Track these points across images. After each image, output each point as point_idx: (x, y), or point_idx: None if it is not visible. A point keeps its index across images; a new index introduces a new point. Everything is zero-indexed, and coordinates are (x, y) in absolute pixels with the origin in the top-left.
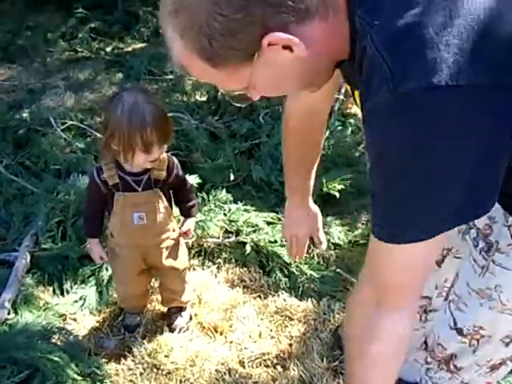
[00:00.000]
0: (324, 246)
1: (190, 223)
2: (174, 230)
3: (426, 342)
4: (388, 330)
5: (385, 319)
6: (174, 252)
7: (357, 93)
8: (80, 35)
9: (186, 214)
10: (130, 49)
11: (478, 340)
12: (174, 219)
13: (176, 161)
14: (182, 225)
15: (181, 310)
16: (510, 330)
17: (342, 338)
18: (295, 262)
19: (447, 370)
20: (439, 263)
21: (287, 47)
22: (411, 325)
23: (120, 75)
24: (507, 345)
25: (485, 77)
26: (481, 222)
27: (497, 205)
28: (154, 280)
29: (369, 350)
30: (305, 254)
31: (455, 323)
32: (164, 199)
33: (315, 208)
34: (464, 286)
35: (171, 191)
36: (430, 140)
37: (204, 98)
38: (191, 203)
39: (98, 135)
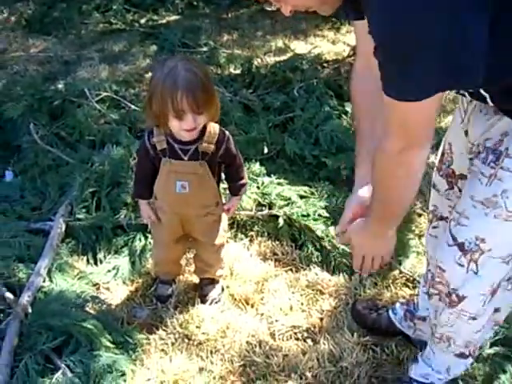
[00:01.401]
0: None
1: (236, 200)
2: (217, 205)
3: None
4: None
5: (414, 156)
6: (213, 226)
7: None
8: (114, 7)
9: (235, 192)
10: (164, 21)
11: (476, 260)
12: (220, 194)
13: (228, 135)
14: (228, 201)
15: (213, 281)
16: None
17: (359, 312)
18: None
19: (450, 305)
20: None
21: None
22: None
23: (154, 47)
24: (507, 263)
25: None
26: (492, 141)
27: (510, 120)
28: (188, 251)
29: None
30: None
31: (454, 239)
32: (209, 173)
33: None
34: (467, 200)
35: (223, 166)
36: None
37: (238, 71)
38: (241, 182)
39: (132, 107)
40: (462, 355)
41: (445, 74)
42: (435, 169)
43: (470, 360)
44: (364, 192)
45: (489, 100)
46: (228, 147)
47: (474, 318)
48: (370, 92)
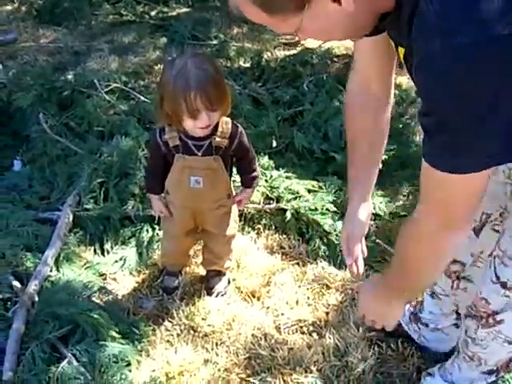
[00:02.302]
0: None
1: (248, 193)
2: (228, 197)
3: (457, 312)
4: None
5: (449, 239)
6: (225, 218)
7: (401, 49)
8: None
9: (247, 184)
10: (174, 13)
11: None
12: (232, 187)
13: (241, 129)
14: (240, 192)
15: (219, 273)
16: None
17: None
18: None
19: (487, 326)
20: (477, 232)
21: (336, 0)
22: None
23: (164, 39)
24: None
25: None
26: None
27: None
28: (196, 243)
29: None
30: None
31: (498, 277)
32: (223, 167)
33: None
34: (510, 240)
35: (234, 159)
36: (481, 87)
37: (248, 64)
38: (253, 174)
39: (142, 98)
40: (490, 372)
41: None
42: None
43: (495, 375)
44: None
45: None
46: (241, 141)
47: (509, 342)
48: (368, 110)
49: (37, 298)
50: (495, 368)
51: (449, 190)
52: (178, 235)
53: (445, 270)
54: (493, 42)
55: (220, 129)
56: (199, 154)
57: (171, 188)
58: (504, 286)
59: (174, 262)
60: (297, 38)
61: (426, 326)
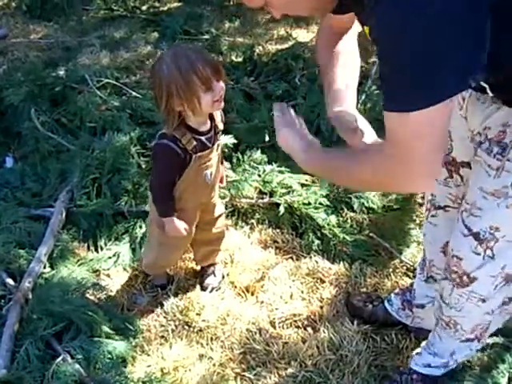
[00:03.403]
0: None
1: (224, 168)
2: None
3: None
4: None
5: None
6: (218, 200)
7: (366, 28)
8: None
9: (221, 161)
10: (165, 8)
11: (492, 248)
12: None
13: None
14: None
15: (213, 268)
16: None
17: (355, 306)
18: None
19: (461, 285)
20: None
21: None
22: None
23: (155, 34)
24: None
25: None
26: (493, 132)
27: (509, 110)
28: None
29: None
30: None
31: (469, 229)
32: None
33: None
34: (477, 192)
35: None
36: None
37: (240, 59)
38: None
39: (134, 93)
40: (468, 340)
41: (456, 75)
42: None
43: (476, 344)
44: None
45: (489, 91)
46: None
47: (483, 301)
48: (335, 40)
49: (30, 296)
50: (473, 337)
51: (409, 130)
52: (185, 243)
53: (444, 250)
54: None
55: (215, 115)
56: (210, 145)
57: (186, 192)
58: (477, 237)
59: (167, 269)
60: (272, 14)
61: (422, 307)
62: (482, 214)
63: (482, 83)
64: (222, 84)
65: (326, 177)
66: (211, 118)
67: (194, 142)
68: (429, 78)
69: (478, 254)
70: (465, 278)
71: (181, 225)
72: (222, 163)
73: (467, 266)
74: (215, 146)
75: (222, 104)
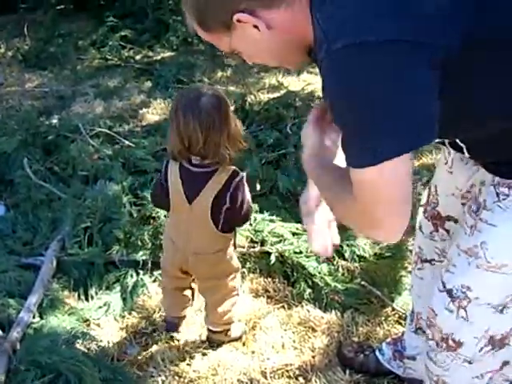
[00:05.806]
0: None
1: None
2: None
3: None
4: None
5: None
6: None
7: None
8: (110, 43)
9: None
10: (159, 57)
11: (465, 307)
12: None
13: None
14: None
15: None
16: (501, 295)
17: (346, 356)
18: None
19: (447, 349)
20: None
21: (256, 26)
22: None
23: (149, 83)
24: (501, 312)
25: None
26: (475, 188)
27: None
28: None
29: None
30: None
31: (444, 285)
32: None
33: None
34: (454, 248)
35: None
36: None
37: (232, 108)
38: None
39: (126, 142)
40: None
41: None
42: (422, 210)
43: None
44: None
45: (465, 151)
46: None
47: (469, 362)
48: None
49: (18, 346)
50: None
51: (365, 188)
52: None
53: None
54: (363, 46)
55: None
56: None
57: None
58: (450, 294)
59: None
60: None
61: (413, 359)
62: (455, 271)
63: (459, 142)
64: None
65: (318, 187)
66: None
67: None
68: (370, 139)
69: (451, 312)
70: (450, 341)
71: None
72: None
73: (440, 322)
74: None
75: None
